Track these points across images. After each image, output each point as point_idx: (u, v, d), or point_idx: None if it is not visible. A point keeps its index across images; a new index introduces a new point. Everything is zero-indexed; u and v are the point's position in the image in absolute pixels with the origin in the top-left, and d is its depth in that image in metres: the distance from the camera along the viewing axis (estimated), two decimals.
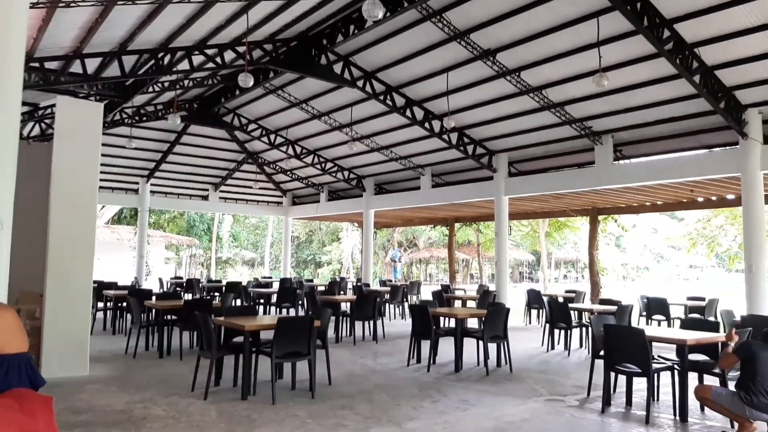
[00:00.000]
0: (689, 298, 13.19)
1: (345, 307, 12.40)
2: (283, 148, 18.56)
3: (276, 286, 17.10)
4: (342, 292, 16.73)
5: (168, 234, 33.36)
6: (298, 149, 18.67)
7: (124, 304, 11.82)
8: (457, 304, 14.29)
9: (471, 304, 13.85)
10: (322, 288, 17.56)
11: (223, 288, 16.59)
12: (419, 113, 13.95)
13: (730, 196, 14.40)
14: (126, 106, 14.84)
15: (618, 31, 9.43)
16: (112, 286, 13.93)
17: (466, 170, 16.85)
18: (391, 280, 24.27)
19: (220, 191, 22.95)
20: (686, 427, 5.69)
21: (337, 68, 12.47)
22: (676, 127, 11.83)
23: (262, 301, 15.05)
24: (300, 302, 14.24)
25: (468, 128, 14.56)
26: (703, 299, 12.69)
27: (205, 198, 22.90)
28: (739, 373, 5.20)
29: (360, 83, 12.86)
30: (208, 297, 13.35)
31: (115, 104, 13.89)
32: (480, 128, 14.46)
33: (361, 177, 20.09)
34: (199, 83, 14.00)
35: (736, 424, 5.28)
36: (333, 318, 10.74)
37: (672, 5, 8.70)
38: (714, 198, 15.08)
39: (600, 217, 18.32)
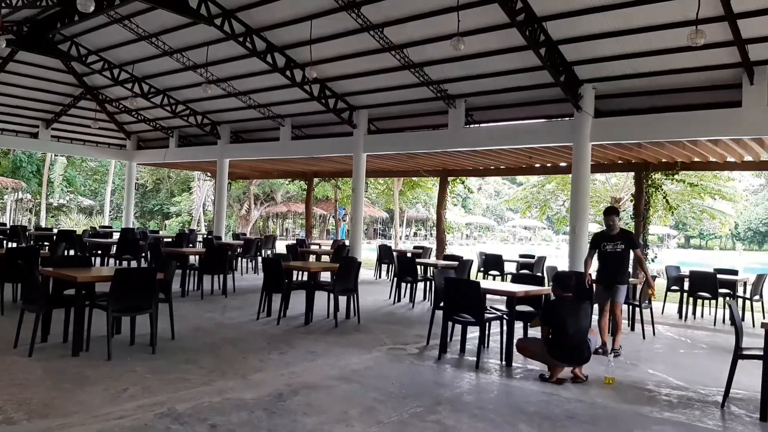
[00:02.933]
0: (521, 256, 14.48)
1: (194, 260, 11.94)
2: (128, 85, 17.00)
3: (117, 236, 16.00)
4: (191, 245, 16.08)
5: None
6: (146, 87, 17.23)
7: None
8: (312, 258, 14.38)
9: (326, 258, 14.00)
10: (169, 240, 16.76)
11: (54, 237, 15.18)
12: (281, 60, 13.48)
13: (563, 164, 15.85)
14: None
15: None
16: None
17: (327, 124, 16.74)
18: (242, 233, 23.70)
19: (53, 129, 20.57)
20: (510, 371, 6.29)
21: (193, 2, 11.58)
22: (522, 97, 12.66)
23: (100, 252, 14.01)
24: (143, 254, 13.49)
25: (330, 81, 14.39)
26: (533, 257, 14.00)
27: (35, 136, 20.41)
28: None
29: (218, 21, 12.07)
30: (36, 246, 12.07)
31: None
32: (342, 82, 14.37)
33: (216, 123, 19.12)
34: (31, 3, 12.22)
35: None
36: (179, 271, 10.31)
37: None
38: (549, 165, 16.52)
39: (449, 179, 19.27)
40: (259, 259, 14.75)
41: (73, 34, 15.18)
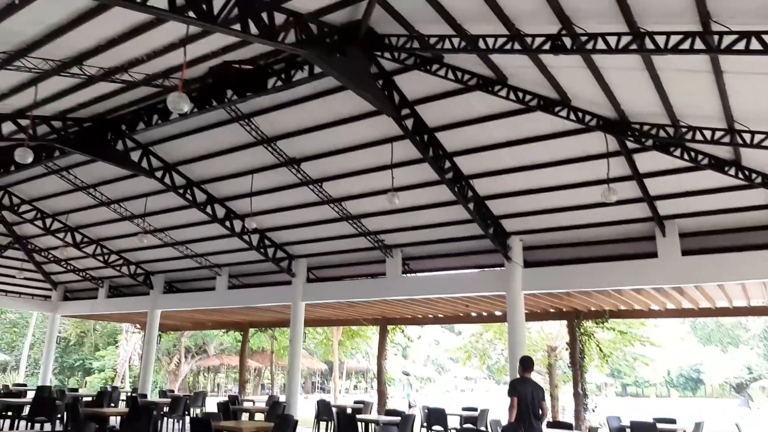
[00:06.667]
0: (464, 409, 14.08)
1: (115, 421, 10.98)
2: (61, 235, 16.60)
3: (31, 395, 14.65)
4: (113, 404, 14.85)
5: None
6: (79, 237, 16.85)
7: None
8: (245, 416, 13.49)
9: (260, 416, 13.17)
10: (90, 399, 15.45)
11: None
12: (221, 211, 13.67)
13: (498, 313, 16.12)
14: None
15: (409, 157, 10.48)
16: None
17: (265, 273, 16.63)
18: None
19: None
20: None
21: (135, 156, 11.83)
22: (455, 247, 13.16)
23: (10, 414, 12.69)
24: (59, 416, 12.32)
25: (270, 231, 14.59)
26: (476, 410, 13.64)
27: None
28: None
29: (159, 174, 12.29)
30: None
31: None
32: (281, 232, 14.58)
33: (150, 273, 18.65)
34: None
35: None
36: None
37: (453, 141, 10.06)
38: (485, 314, 16.75)
39: (389, 327, 19.12)
40: (188, 419, 13.68)
41: (7, 184, 14.96)
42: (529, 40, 6.82)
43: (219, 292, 17.13)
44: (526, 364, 7.76)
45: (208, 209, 13.39)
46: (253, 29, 6.82)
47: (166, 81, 9.02)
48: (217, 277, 17.18)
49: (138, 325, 26.75)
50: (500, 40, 6.97)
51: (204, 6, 6.42)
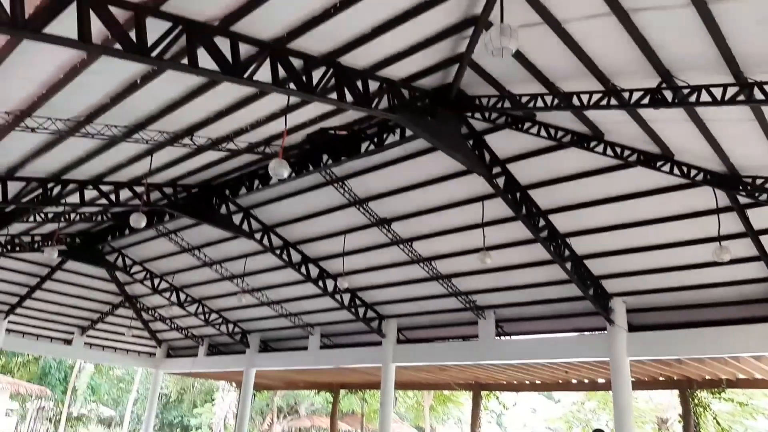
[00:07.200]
0: None
1: None
2: (167, 294, 17.59)
3: None
4: None
5: (16, 381, 29.17)
6: (183, 296, 17.77)
7: None
8: None
9: None
10: None
11: None
12: (314, 271, 13.99)
13: (601, 380, 15.10)
14: None
15: (501, 215, 10.33)
16: None
17: (356, 333, 16.65)
18: None
19: (87, 336, 20.87)
20: None
21: (237, 219, 12.47)
22: (552, 309, 12.61)
23: None
24: None
25: (360, 290, 14.70)
26: None
27: (69, 342, 20.61)
28: None
29: (258, 236, 12.85)
30: None
31: None
32: (372, 291, 14.65)
33: (247, 332, 19.21)
34: (87, 218, 13.35)
35: None
36: None
37: (547, 198, 9.83)
38: (586, 381, 15.75)
39: (482, 393, 18.39)
40: None
41: (121, 246, 16.17)
42: (626, 94, 6.68)
43: (311, 352, 17.29)
44: None
45: (303, 269, 13.75)
46: (349, 97, 7.14)
47: (267, 148, 9.54)
48: (310, 337, 17.40)
49: (234, 383, 27.40)
50: (595, 96, 6.88)
51: (304, 78, 6.83)
